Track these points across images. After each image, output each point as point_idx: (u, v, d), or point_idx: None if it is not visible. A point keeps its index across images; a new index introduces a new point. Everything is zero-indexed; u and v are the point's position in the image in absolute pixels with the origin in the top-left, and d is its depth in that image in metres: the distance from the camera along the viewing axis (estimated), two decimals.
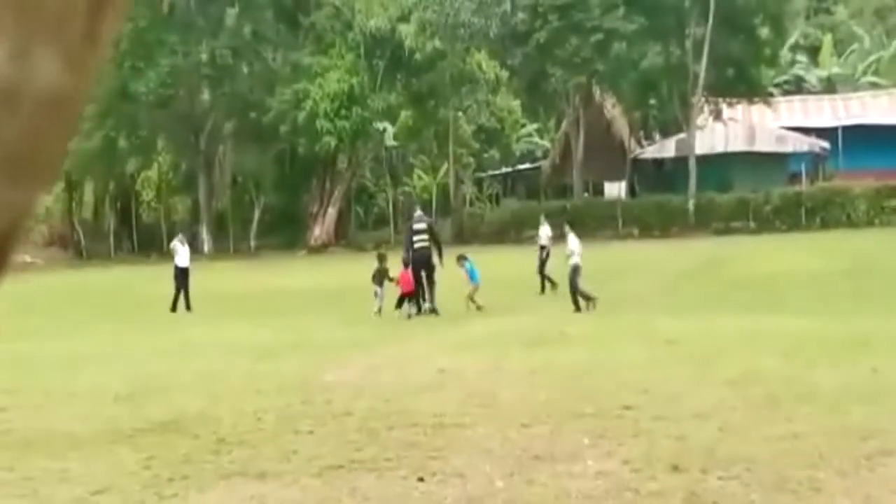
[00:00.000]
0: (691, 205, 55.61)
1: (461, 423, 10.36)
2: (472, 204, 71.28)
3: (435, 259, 26.65)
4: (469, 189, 74.07)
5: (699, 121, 59.28)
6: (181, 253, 31.78)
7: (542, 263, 31.26)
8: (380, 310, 26.91)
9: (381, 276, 27.77)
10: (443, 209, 70.20)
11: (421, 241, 26.73)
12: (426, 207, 48.21)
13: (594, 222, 57.35)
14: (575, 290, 25.91)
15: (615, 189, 63.61)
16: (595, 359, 14.93)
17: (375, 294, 27.54)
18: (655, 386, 12.11)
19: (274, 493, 7.99)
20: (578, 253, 26.58)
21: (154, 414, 11.35)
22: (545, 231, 32.22)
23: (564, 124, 67.68)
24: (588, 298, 25.61)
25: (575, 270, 26.24)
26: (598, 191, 67.06)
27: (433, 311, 26.13)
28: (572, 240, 27.16)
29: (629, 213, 57.53)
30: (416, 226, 27.32)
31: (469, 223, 61.72)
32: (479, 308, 26.52)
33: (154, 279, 37.13)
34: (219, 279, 31.26)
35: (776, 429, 9.55)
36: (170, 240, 36.96)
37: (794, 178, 61.43)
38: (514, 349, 16.81)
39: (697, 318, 21.30)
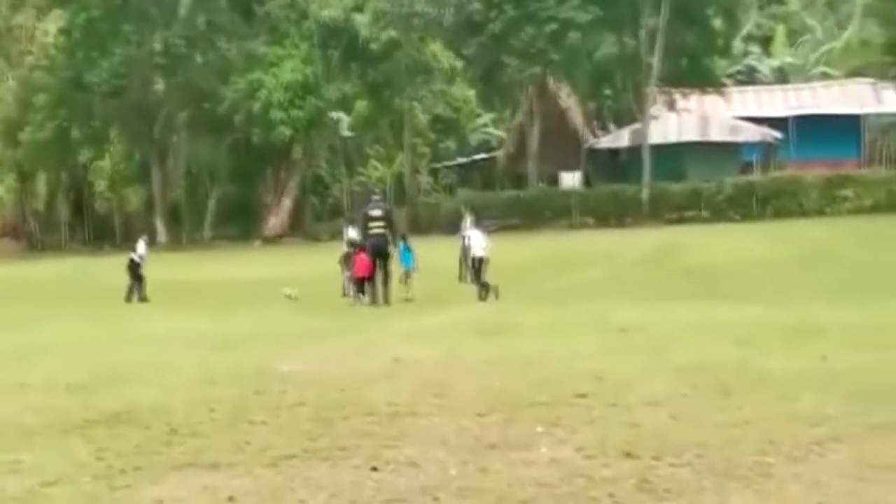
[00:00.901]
0: (645, 194, 55.82)
1: (415, 412, 10.35)
2: (427, 194, 71.22)
3: (391, 248, 26.01)
4: (424, 179, 74.02)
5: (653, 111, 59.54)
6: (140, 249, 31.80)
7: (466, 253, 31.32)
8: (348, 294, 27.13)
9: (348, 261, 27.84)
10: (398, 199, 70.09)
11: (377, 227, 25.77)
12: (384, 193, 47.98)
13: (549, 212, 57.54)
14: (478, 280, 26.25)
15: (570, 179, 63.71)
16: (549, 347, 14.97)
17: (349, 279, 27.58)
18: (609, 374, 12.15)
19: (227, 483, 7.95)
20: (485, 246, 26.82)
21: (106, 405, 11.27)
22: (468, 222, 32.28)
23: (519, 114, 67.75)
24: (488, 289, 25.77)
25: (483, 262, 26.44)
26: (554, 181, 67.11)
27: (373, 303, 25.43)
28: (476, 234, 27.43)
29: (584, 203, 57.66)
30: (372, 212, 26.14)
31: (425, 213, 61.67)
32: (406, 298, 26.28)
33: (108, 270, 36.89)
34: (173, 270, 31.12)
35: (727, 416, 9.61)
36: (123, 230, 36.95)
37: (747, 167, 61.84)
38: (469, 338, 16.82)
39: (651, 306, 21.40)
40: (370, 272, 25.95)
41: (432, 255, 31.13)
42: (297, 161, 67.68)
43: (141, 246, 32.15)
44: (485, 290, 25.81)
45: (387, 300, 25.47)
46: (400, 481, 7.82)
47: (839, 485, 7.35)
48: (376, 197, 28.17)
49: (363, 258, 26.26)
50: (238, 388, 12.16)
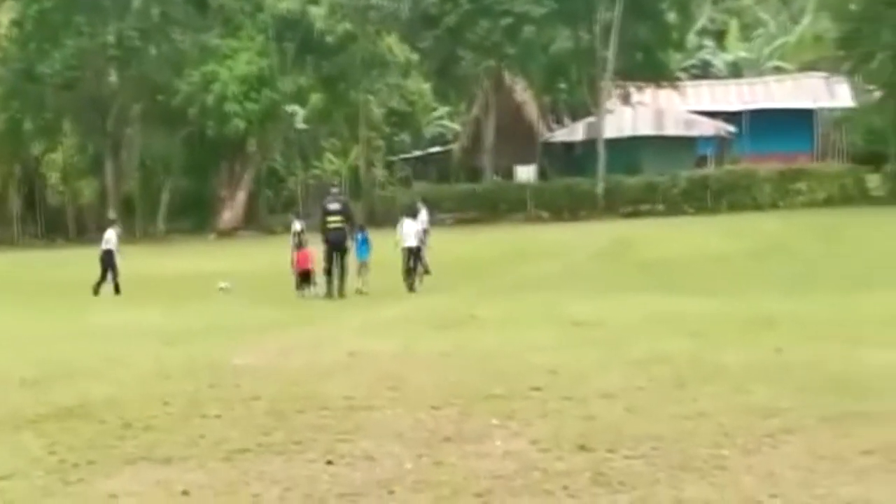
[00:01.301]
0: (600, 188, 55.96)
1: (371, 405, 10.34)
2: (383, 187, 71.14)
3: (349, 242, 25.86)
4: (380, 172, 73.91)
5: (608, 105, 59.70)
6: (110, 239, 31.51)
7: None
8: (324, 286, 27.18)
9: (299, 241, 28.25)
10: (354, 192, 69.92)
11: (335, 222, 25.54)
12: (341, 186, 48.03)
13: (504, 205, 57.58)
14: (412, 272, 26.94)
15: (525, 173, 63.79)
16: (504, 341, 15.00)
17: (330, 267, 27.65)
18: (564, 367, 12.19)
19: (180, 477, 7.91)
20: (421, 237, 27.65)
21: (59, 399, 11.19)
22: (423, 215, 32.40)
23: (475, 108, 67.74)
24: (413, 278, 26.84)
25: (415, 252, 27.27)
26: (509, 174, 67.19)
27: (329, 295, 25.32)
28: (409, 223, 27.82)
29: (539, 197, 57.73)
30: (331, 206, 25.91)
31: (380, 206, 61.57)
32: (357, 290, 26.20)
33: (61, 263, 36.67)
34: (127, 263, 30.82)
35: (682, 408, 9.66)
36: (76, 224, 36.76)
37: (702, 161, 62.16)
38: (425, 332, 16.83)
39: (606, 300, 21.48)
40: (310, 267, 26.44)
41: (388, 248, 31.05)
42: (252, 154, 67.38)
43: (111, 234, 31.84)
44: (411, 278, 26.48)
45: (342, 293, 25.33)
46: (355, 475, 7.82)
47: (792, 476, 7.41)
48: (335, 190, 28.23)
49: (304, 251, 26.96)
50: (192, 382, 12.10)
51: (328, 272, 25.63)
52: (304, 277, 26.91)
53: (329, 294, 25.37)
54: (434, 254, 30.43)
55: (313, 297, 25.86)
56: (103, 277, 30.27)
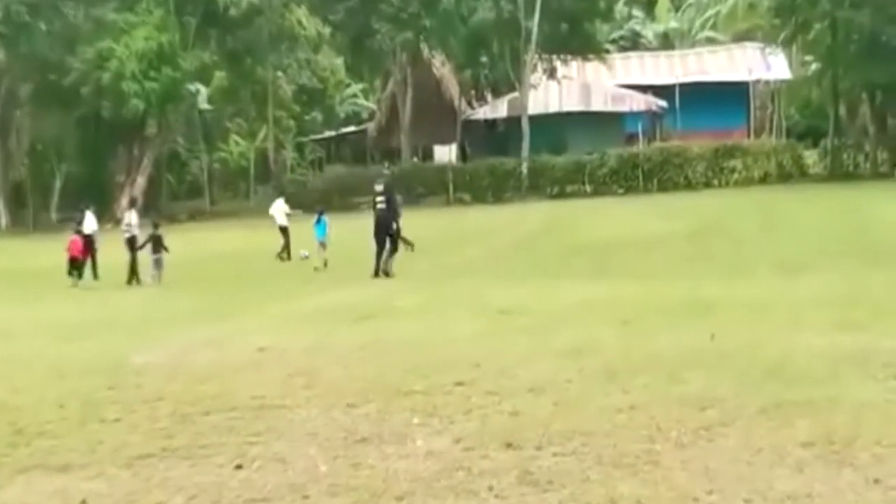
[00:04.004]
0: (525, 168, 56.07)
1: (283, 404, 10.30)
2: (293, 170, 70.86)
3: (393, 222, 27.07)
4: (290, 154, 73.63)
5: (532, 79, 59.82)
6: (88, 221, 31.57)
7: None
8: (158, 278, 28.98)
9: (156, 243, 29.45)
10: (262, 176, 69.72)
11: (379, 202, 27.14)
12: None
13: (423, 188, 57.44)
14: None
15: (445, 153, 63.89)
16: (425, 332, 15.00)
17: (157, 262, 29.33)
18: (488, 359, 12.21)
19: (78, 485, 7.83)
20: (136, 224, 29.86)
21: None
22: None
23: (391, 84, 67.68)
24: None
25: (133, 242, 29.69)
26: (428, 155, 67.24)
27: (386, 273, 26.50)
28: (279, 203, 30.24)
29: (460, 178, 57.67)
30: (376, 187, 27.91)
31: (291, 191, 61.32)
32: (315, 268, 29.45)
33: None
34: (17, 255, 30.48)
35: (613, 401, 9.72)
36: None
37: (631, 138, 62.50)
38: (341, 324, 16.80)
39: (532, 286, 21.58)
40: (83, 255, 29.59)
41: (305, 234, 31.16)
42: (152, 137, 66.68)
43: (89, 219, 31.82)
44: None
45: (386, 272, 26.42)
46: (266, 479, 7.78)
47: (729, 470, 7.48)
48: (386, 171, 29.97)
49: (76, 240, 29.75)
50: (90, 383, 11.98)
51: (378, 252, 26.95)
52: (72, 266, 29.58)
53: (376, 273, 26.49)
54: (347, 242, 30.41)
55: (72, 286, 28.67)
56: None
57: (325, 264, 30.26)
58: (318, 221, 31.47)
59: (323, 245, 31.02)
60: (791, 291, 18.28)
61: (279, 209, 35.79)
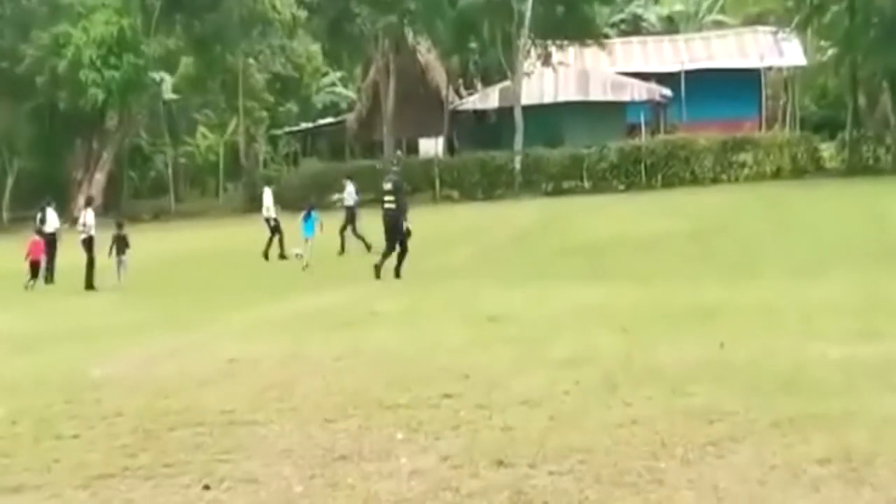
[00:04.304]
0: (518, 162, 56.03)
1: (254, 420, 10.29)
2: (266, 165, 70.86)
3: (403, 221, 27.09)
4: (262, 148, 73.62)
5: (526, 66, 59.76)
6: (50, 219, 31.61)
7: (345, 225, 34.38)
8: (120, 281, 29.16)
9: (120, 244, 29.70)
10: (232, 172, 69.68)
11: (388, 202, 27.14)
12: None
13: (408, 184, 57.19)
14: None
15: (431, 146, 63.94)
16: (409, 341, 15.00)
17: (121, 263, 29.55)
18: (477, 370, 12.20)
19: None
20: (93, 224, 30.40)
21: None
22: (350, 190, 34.36)
23: (372, 72, 67.71)
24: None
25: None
26: (413, 148, 67.26)
27: (397, 273, 26.58)
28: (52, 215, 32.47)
29: (448, 174, 57.60)
30: (384, 185, 27.81)
31: (263, 188, 61.30)
32: (304, 267, 30.39)
33: None
34: None
35: (613, 415, 9.72)
36: None
37: (633, 130, 62.59)
38: (317, 332, 16.78)
39: (525, 291, 21.56)
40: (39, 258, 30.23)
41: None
42: (112, 130, 66.65)
43: (51, 216, 31.83)
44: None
45: (397, 274, 26.50)
46: (236, 501, 7.78)
47: (739, 490, 7.48)
48: (395, 168, 31.16)
49: (37, 242, 30.47)
50: (45, 397, 11.97)
51: (386, 253, 27.08)
52: (33, 269, 30.44)
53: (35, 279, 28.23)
54: (327, 241, 30.40)
55: (29, 288, 29.43)
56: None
57: (302, 261, 31.35)
58: (307, 217, 32.25)
59: (307, 241, 31.92)
60: (805, 296, 18.28)
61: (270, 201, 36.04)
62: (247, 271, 32.11)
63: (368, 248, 32.10)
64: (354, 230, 34.44)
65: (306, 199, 35.82)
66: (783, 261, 24.96)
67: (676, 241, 30.81)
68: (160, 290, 27.58)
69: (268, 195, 36.19)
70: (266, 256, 34.25)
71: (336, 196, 38.86)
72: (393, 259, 26.67)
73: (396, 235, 26.87)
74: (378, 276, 26.27)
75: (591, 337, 14.34)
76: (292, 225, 33.67)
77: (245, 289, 26.48)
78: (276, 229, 34.82)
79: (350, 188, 36.06)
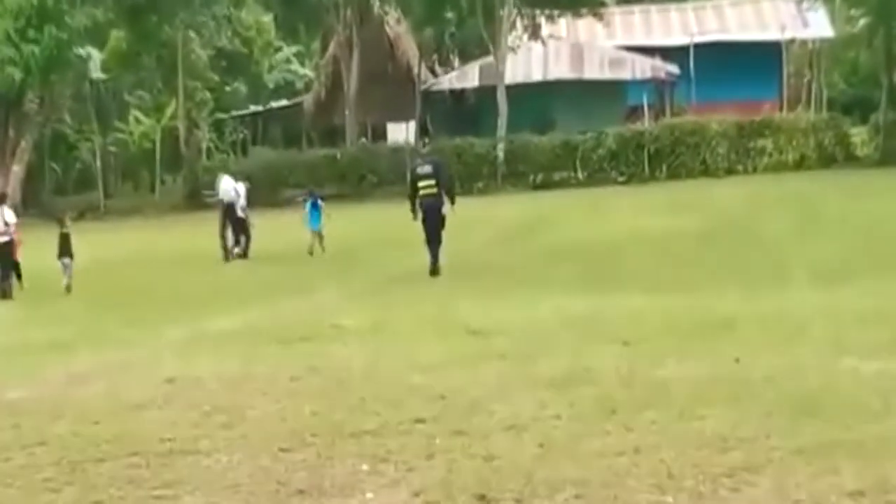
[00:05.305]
0: (501, 151, 56.03)
1: (197, 449, 10.29)
2: (210, 155, 70.81)
3: (446, 208, 27.88)
4: (206, 135, 73.52)
5: (510, 40, 59.76)
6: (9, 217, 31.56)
7: (224, 226, 35.21)
8: (68, 287, 29.15)
9: (65, 245, 29.89)
10: (170, 162, 69.54)
11: (427, 187, 27.93)
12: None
13: (375, 176, 57.42)
14: None
15: (401, 132, 63.93)
16: (377, 357, 15.01)
17: (66, 268, 29.66)
18: (455, 391, 12.22)
19: None
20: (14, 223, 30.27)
21: None
22: (241, 188, 34.90)
23: (333, 46, 67.64)
24: None
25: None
26: (380, 134, 67.26)
27: (433, 271, 27.49)
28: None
29: None
30: (421, 169, 28.55)
31: (207, 180, 61.18)
32: (320, 250, 33.29)
33: None
34: None
35: (612, 442, 9.74)
36: None
37: (635, 113, 62.53)
38: (270, 348, 16.78)
39: (510, 299, 21.59)
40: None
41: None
42: (32, 114, 66.46)
43: (8, 214, 31.80)
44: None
45: (435, 271, 27.53)
46: None
47: None
48: (425, 150, 31.68)
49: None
50: None
51: (429, 244, 28.00)
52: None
53: (433, 271, 27.65)
54: (280, 243, 30.42)
55: None
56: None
57: (315, 252, 33.72)
58: (314, 206, 34.50)
59: (320, 235, 34.04)
60: (833, 304, 18.33)
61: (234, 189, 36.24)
62: (189, 277, 32.06)
63: (227, 257, 34.04)
64: (223, 230, 35.20)
65: (256, 194, 36.13)
66: (808, 264, 24.98)
67: (684, 242, 30.87)
68: (88, 299, 27.50)
69: (241, 189, 36.27)
70: (239, 256, 34.72)
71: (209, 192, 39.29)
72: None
73: (440, 227, 27.76)
74: (437, 273, 27.43)
75: (587, 352, 14.37)
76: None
77: (187, 298, 26.42)
78: (246, 229, 35.09)
79: (227, 184, 36.50)
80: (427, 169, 28.21)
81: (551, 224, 38.56)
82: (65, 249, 29.62)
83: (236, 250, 34.77)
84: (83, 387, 14.09)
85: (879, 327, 15.36)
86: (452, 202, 28.10)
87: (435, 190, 27.80)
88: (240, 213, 35.22)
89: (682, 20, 69.82)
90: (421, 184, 28.04)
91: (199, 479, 9.28)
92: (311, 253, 33.46)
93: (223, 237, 34.61)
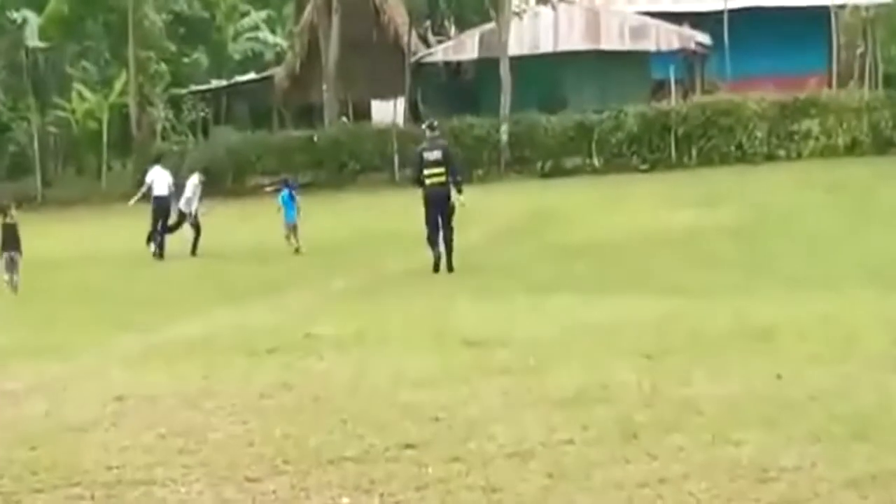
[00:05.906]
0: (505, 133, 55.94)
1: (150, 478, 10.29)
2: (165, 136, 70.73)
3: (454, 197, 28.61)
4: (161, 114, 73.43)
5: (515, 4, 59.74)
6: None
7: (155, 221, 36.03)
8: (12, 284, 29.69)
9: (10, 237, 30.00)
10: (120, 145, 69.46)
11: (435, 175, 28.57)
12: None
13: (357, 163, 57.33)
14: None
15: (388, 110, 63.87)
16: (359, 372, 15.02)
17: (12, 262, 29.90)
18: (451, 411, 12.23)
19: None
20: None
21: None
22: (194, 179, 35.42)
23: (309, 11, 67.58)
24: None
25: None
26: (363, 113, 67.18)
27: (435, 269, 28.23)
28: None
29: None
30: (429, 154, 29.07)
31: (163, 165, 61.24)
32: (296, 251, 33.42)
33: None
34: None
35: (633, 471, 9.75)
36: None
37: (660, 89, 62.41)
38: (235, 360, 16.77)
39: (515, 305, 21.60)
40: None
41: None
42: None
43: None
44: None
45: (450, 267, 28.46)
46: None
47: None
48: (433, 133, 30.70)
49: None
50: None
51: (431, 241, 28.65)
52: None
53: (435, 268, 28.46)
54: (246, 239, 30.45)
55: None
56: None
57: (288, 248, 33.96)
58: (291, 196, 34.96)
59: (294, 228, 34.43)
60: (888, 311, 18.35)
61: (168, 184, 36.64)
62: (141, 277, 32.10)
63: (161, 254, 35.26)
64: (155, 228, 36.30)
65: (220, 180, 36.29)
66: (860, 264, 25.02)
67: (716, 239, 30.90)
68: (24, 303, 27.52)
69: (192, 182, 36.46)
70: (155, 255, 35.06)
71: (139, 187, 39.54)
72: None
73: (449, 217, 28.39)
74: (451, 269, 28.23)
75: (603, 366, 14.37)
76: (212, 216, 33.60)
77: (139, 301, 26.42)
78: (197, 225, 35.33)
79: (156, 174, 38.13)
80: (436, 155, 28.65)
81: (562, 218, 38.58)
82: (10, 243, 29.54)
83: (151, 247, 35.66)
84: (18, 406, 14.10)
85: None
86: (460, 192, 28.57)
87: (444, 178, 28.33)
88: (182, 208, 35.50)
89: None
90: (427, 171, 28.47)
91: None
92: (297, 251, 33.87)
93: (152, 234, 35.70)
